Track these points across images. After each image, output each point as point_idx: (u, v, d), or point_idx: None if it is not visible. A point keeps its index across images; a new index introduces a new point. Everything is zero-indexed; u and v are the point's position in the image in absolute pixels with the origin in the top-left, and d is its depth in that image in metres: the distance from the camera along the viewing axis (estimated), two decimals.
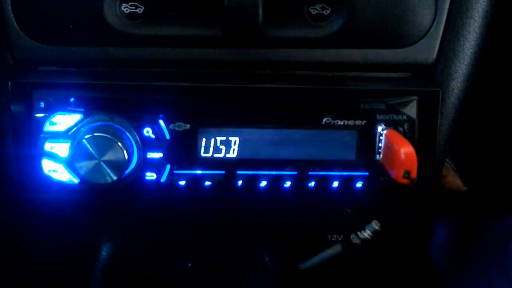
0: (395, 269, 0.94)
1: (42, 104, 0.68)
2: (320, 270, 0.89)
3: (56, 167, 0.70)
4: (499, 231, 0.89)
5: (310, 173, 0.72)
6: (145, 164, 0.71)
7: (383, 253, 0.91)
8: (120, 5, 0.67)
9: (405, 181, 0.64)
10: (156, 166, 0.71)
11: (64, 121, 0.69)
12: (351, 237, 0.77)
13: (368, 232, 0.76)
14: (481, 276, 0.90)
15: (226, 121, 0.70)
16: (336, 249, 0.80)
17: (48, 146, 0.69)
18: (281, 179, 0.72)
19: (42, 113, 0.68)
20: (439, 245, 0.96)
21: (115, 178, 0.66)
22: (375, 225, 0.75)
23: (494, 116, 0.84)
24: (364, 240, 0.76)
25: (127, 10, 0.68)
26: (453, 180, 0.97)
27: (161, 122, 0.69)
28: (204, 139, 0.70)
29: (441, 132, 0.73)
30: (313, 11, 0.68)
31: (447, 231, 0.99)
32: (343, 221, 0.83)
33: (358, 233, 0.76)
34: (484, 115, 0.83)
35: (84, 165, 0.65)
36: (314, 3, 0.68)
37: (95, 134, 0.65)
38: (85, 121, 0.68)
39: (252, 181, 0.72)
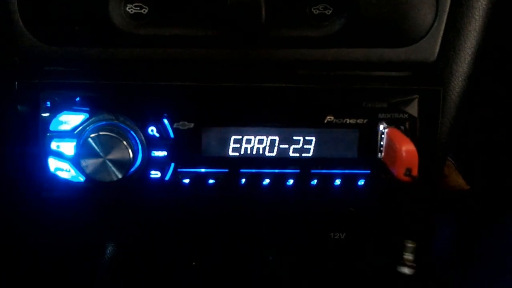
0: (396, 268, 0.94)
1: (48, 104, 0.69)
2: (321, 270, 0.90)
3: (62, 166, 0.71)
4: (502, 230, 0.89)
5: (312, 171, 0.73)
6: (150, 163, 0.71)
7: (384, 252, 0.91)
8: (125, 6, 0.68)
9: (407, 178, 0.64)
10: (161, 164, 0.72)
11: (70, 120, 0.69)
12: None
13: None
14: (483, 275, 0.90)
15: (229, 120, 0.70)
16: None
17: (54, 145, 0.70)
18: (284, 177, 0.73)
19: (48, 112, 0.69)
20: (441, 244, 0.97)
21: (120, 176, 0.67)
22: None
23: (496, 114, 0.84)
24: None
25: (131, 11, 0.69)
26: (456, 179, 0.97)
27: (166, 121, 0.70)
28: (208, 138, 0.71)
29: (442, 130, 0.73)
30: (315, 11, 0.69)
31: (450, 230, 1.00)
32: (346, 219, 0.83)
33: None
34: (486, 113, 0.83)
35: (90, 164, 0.66)
36: (316, 3, 0.69)
37: (101, 133, 0.66)
38: (91, 120, 0.69)
39: (255, 179, 0.73)
